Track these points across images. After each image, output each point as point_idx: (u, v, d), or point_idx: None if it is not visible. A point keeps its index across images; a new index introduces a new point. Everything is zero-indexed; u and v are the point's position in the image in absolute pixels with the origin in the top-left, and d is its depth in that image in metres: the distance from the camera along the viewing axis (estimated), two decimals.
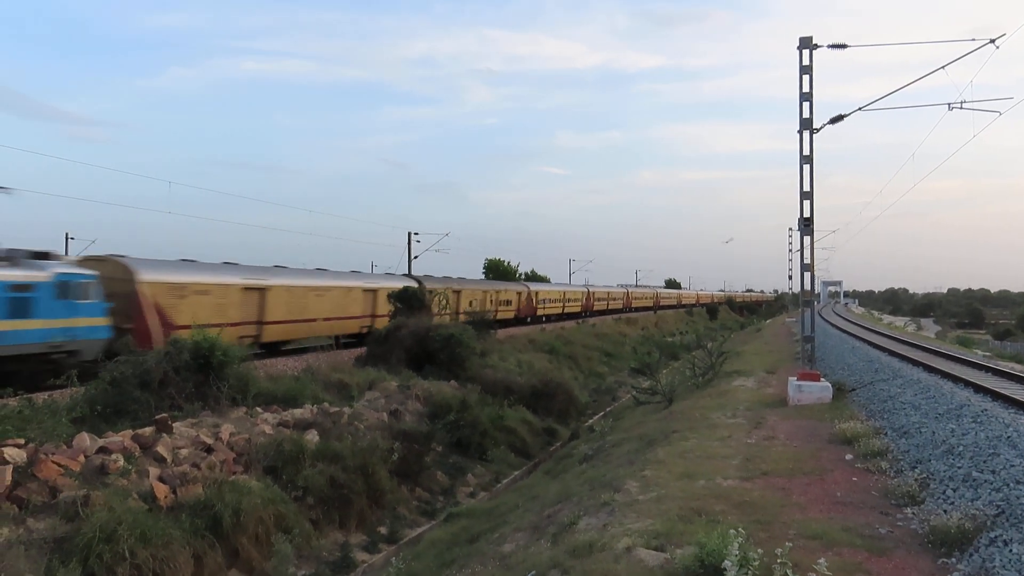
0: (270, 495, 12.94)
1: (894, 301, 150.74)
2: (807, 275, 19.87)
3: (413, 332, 27.66)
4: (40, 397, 15.05)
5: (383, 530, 15.01)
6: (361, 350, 28.89)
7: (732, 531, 5.99)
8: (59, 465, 11.04)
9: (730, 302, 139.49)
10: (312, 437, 15.85)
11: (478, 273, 72.36)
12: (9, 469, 10.34)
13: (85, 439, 12.31)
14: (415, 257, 55.91)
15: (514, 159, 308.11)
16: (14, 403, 13.71)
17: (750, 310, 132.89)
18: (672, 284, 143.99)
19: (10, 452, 10.72)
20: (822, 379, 17.19)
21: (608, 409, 30.52)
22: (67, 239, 48.56)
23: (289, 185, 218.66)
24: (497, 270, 73.99)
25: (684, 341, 55.75)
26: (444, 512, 16.02)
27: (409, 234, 55.92)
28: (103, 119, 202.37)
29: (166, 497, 11.70)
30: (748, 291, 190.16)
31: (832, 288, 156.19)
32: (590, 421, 27.07)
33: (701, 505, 8.21)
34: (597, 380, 39.59)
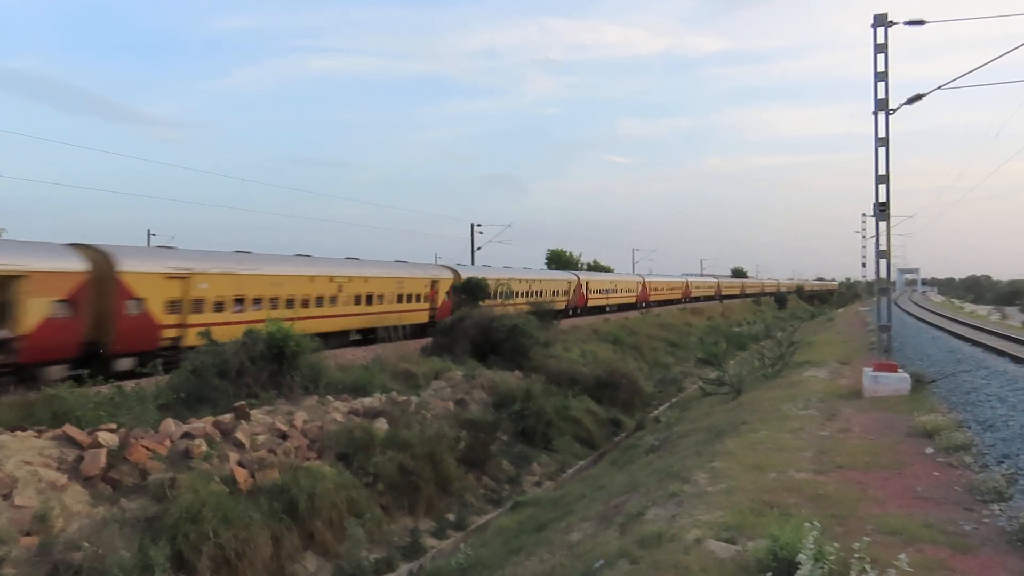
0: (342, 481, 13.34)
1: (976, 289, 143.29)
2: (883, 262, 19.14)
3: (477, 322, 27.94)
4: (129, 384, 15.89)
5: (451, 517, 15.28)
6: (427, 340, 29.41)
7: (806, 524, 5.87)
8: (148, 449, 11.66)
9: (799, 291, 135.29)
10: (381, 425, 16.24)
11: (541, 263, 72.31)
12: (104, 452, 10.99)
13: (171, 424, 12.96)
14: (478, 248, 56.42)
15: (576, 149, 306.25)
16: (106, 390, 14.53)
17: (821, 299, 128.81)
18: (739, 273, 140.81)
19: (104, 436, 11.38)
20: (900, 370, 16.56)
21: (674, 400, 30.15)
22: (148, 236, 51.03)
23: (355, 180, 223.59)
24: (559, 260, 73.82)
25: (752, 331, 54.57)
26: (510, 500, 16.19)
27: (472, 226, 56.52)
28: (180, 120, 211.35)
29: (245, 481, 12.20)
30: (819, 279, 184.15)
31: (909, 276, 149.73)
32: (656, 412, 26.82)
33: (773, 498, 8.06)
34: (662, 370, 39.12)
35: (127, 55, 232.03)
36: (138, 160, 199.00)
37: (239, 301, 23.86)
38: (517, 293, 43.36)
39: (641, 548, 7.16)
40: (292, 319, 21.78)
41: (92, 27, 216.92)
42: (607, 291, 60.25)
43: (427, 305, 35.59)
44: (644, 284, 70.77)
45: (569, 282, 53.37)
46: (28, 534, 9.27)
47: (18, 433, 11.24)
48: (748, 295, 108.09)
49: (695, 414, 20.17)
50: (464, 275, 38.93)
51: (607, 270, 79.60)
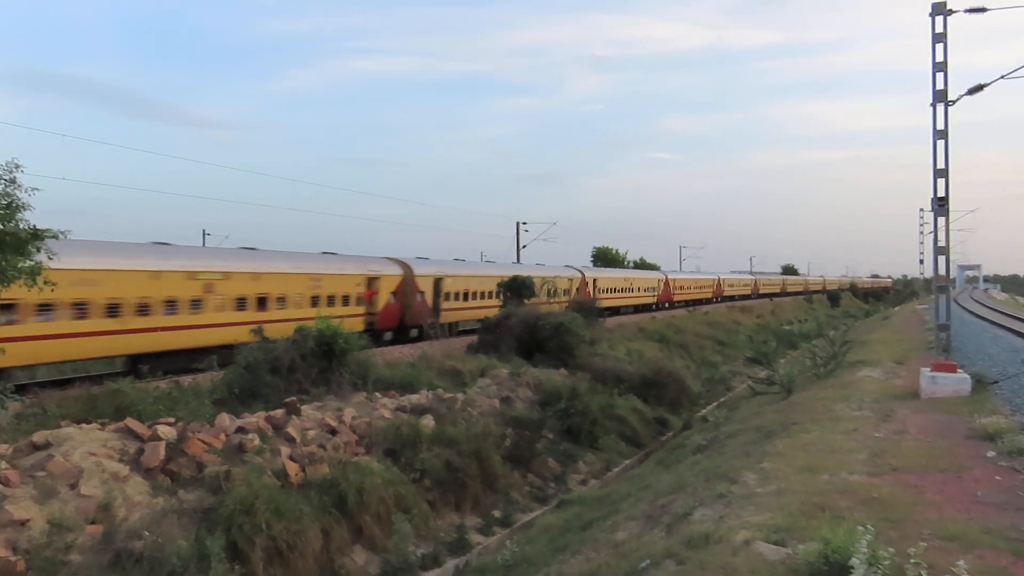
0: (390, 476, 13.55)
1: None
2: (941, 259, 18.49)
3: (522, 320, 27.99)
4: (186, 380, 16.41)
5: (497, 513, 15.36)
6: (472, 338, 29.59)
7: (860, 528, 5.73)
8: (204, 442, 12.04)
9: (853, 288, 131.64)
10: (428, 422, 16.42)
11: (587, 261, 71.93)
12: (163, 445, 11.39)
13: (225, 419, 13.35)
14: (524, 246, 56.49)
15: (621, 145, 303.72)
16: (164, 385, 15.04)
17: (876, 297, 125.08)
18: (789, 270, 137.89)
19: (163, 430, 11.79)
20: (959, 370, 15.98)
21: (722, 399, 29.71)
22: (204, 235, 52.55)
23: (401, 178, 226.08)
24: (605, 258, 73.40)
25: (803, 329, 53.33)
26: (556, 498, 16.21)
27: (517, 224, 56.58)
28: (235, 122, 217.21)
29: (296, 475, 12.49)
30: (874, 276, 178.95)
31: (970, 272, 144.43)
32: (703, 411, 26.48)
33: (825, 500, 7.89)
34: (710, 369, 38.58)
35: (186, 61, 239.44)
36: (194, 162, 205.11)
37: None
38: (483, 294, 36.89)
39: (688, 549, 7.09)
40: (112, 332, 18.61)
41: (153, 35, 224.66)
42: (621, 290, 52.47)
43: (361, 309, 28.43)
44: (667, 282, 63.24)
45: (571, 280, 45.84)
46: (93, 522, 9.67)
47: (83, 425, 11.73)
48: (790, 293, 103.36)
49: (744, 414, 19.84)
50: (420, 271, 32.57)
51: (653, 267, 78.69)
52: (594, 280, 47.57)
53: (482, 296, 37.07)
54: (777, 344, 36.45)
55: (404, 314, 31.10)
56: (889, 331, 40.03)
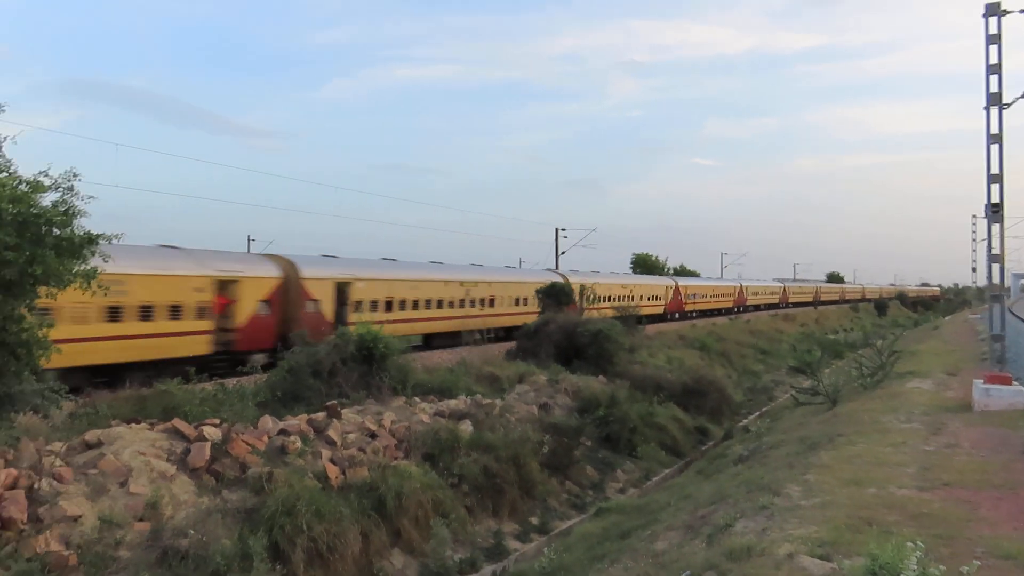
0: (428, 481, 13.63)
1: None
2: (995, 267, 17.90)
3: (561, 327, 27.91)
4: (231, 382, 16.76)
5: (534, 520, 15.32)
6: (511, 344, 29.58)
7: (909, 544, 5.56)
8: (247, 444, 12.27)
9: (901, 297, 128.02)
10: (466, 427, 16.48)
11: (626, 268, 71.47)
12: (208, 445, 11.65)
13: (268, 421, 13.60)
14: (563, 253, 56.39)
15: (661, 151, 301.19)
16: (210, 387, 15.38)
17: (925, 306, 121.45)
18: (834, 278, 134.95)
19: (209, 430, 12.06)
20: (1015, 382, 15.43)
21: (764, 409, 29.18)
22: (248, 241, 53.74)
23: (441, 185, 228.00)
24: (645, 264, 72.87)
25: (849, 339, 52.12)
26: (594, 506, 16.09)
27: (556, 230, 56.50)
28: (278, 130, 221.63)
29: (336, 478, 12.65)
30: (923, 285, 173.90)
31: None
32: (745, 421, 26.04)
33: (872, 514, 7.69)
34: (752, 378, 37.95)
35: (230, 70, 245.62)
36: (239, 169, 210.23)
37: None
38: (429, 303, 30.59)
39: (729, 561, 6.97)
40: None
41: (197, 45, 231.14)
42: (616, 298, 44.41)
43: (207, 324, 20.73)
44: (677, 289, 55.95)
45: (552, 286, 37.42)
46: (141, 520, 9.93)
47: (133, 425, 12.07)
48: (824, 302, 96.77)
49: (787, 424, 19.44)
50: (310, 273, 24.78)
51: (694, 274, 77.77)
52: (581, 287, 38.84)
53: (427, 306, 30.13)
54: (822, 353, 35.68)
55: (286, 330, 21.80)
56: (939, 341, 38.85)
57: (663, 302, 53.09)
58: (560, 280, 39.71)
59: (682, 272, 78.32)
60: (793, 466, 11.26)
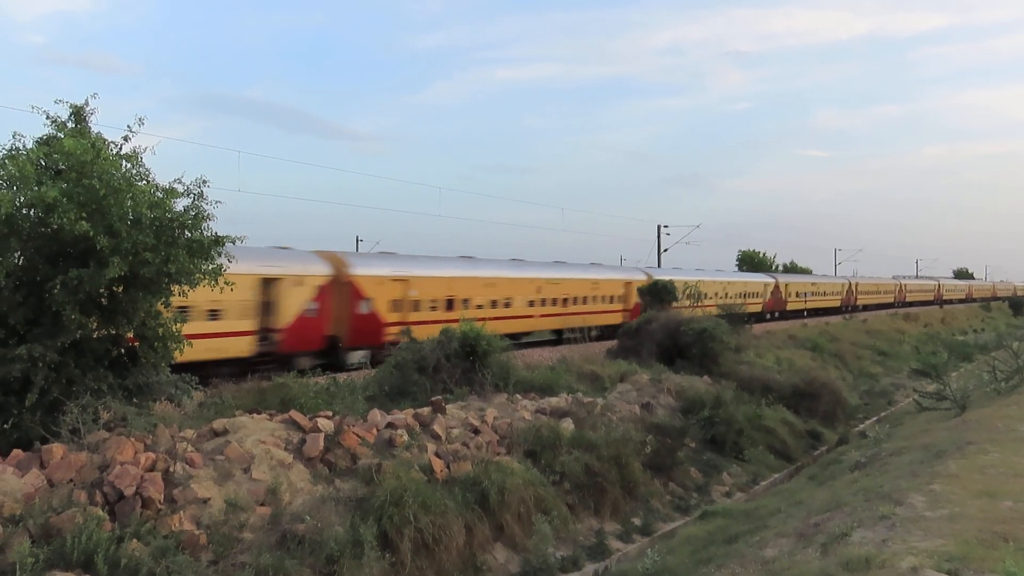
0: (530, 477, 13.72)
1: None
2: None
3: (664, 325, 27.43)
4: (342, 377, 17.53)
5: (636, 521, 15.13)
6: (612, 343, 29.35)
7: None
8: (358, 436, 12.79)
9: None
10: (567, 425, 16.48)
11: (732, 265, 69.26)
12: (321, 436, 12.23)
13: (377, 415, 14.12)
14: (665, 250, 55.36)
15: (768, 144, 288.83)
16: (323, 381, 16.15)
17: None
18: (962, 274, 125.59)
19: (322, 422, 12.66)
20: None
21: (883, 414, 27.53)
22: (357, 241, 56.02)
23: (542, 184, 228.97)
24: (752, 262, 70.44)
25: (979, 340, 48.37)
26: (699, 509, 15.70)
27: (659, 227, 55.59)
28: (383, 134, 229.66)
29: (441, 471, 12.96)
30: None
31: None
32: (862, 426, 24.70)
33: (1008, 529, 7.12)
34: (869, 381, 35.90)
35: (337, 78, 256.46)
36: (347, 172, 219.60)
37: None
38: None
39: (846, 572, 6.65)
40: None
41: (307, 55, 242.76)
42: (705, 296, 40.70)
43: (249, 325, 20.16)
44: (777, 286, 51.62)
45: (627, 283, 35.97)
46: (262, 504, 10.55)
47: (254, 415, 12.84)
48: (948, 301, 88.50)
49: (909, 430, 18.28)
50: (363, 270, 23.79)
51: (805, 271, 74.38)
52: (654, 283, 36.49)
53: (493, 305, 29.60)
54: (948, 355, 33.27)
55: (336, 330, 22.07)
56: None
57: (761, 300, 50.11)
58: (641, 276, 38.83)
59: (792, 269, 75.20)
60: (917, 475, 10.58)
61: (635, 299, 37.54)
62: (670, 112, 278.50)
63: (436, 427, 14.28)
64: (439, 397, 15.89)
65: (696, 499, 16.94)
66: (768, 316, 48.15)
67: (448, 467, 13.19)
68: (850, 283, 69.15)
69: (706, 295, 40.52)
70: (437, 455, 13.38)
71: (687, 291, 37.47)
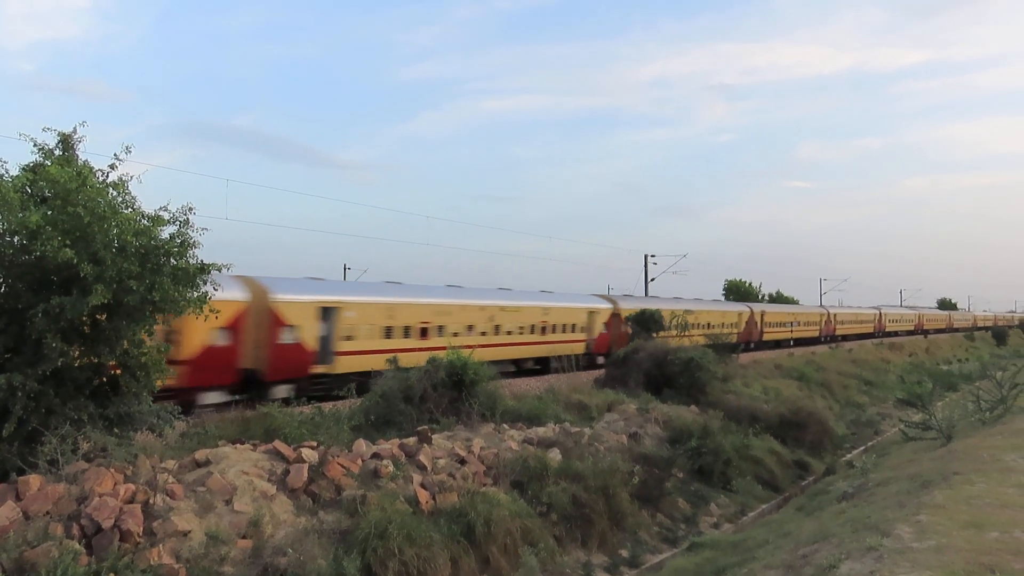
0: (517, 508, 13.59)
1: None
2: None
3: (651, 355, 27.44)
4: (327, 406, 17.35)
5: (624, 553, 14.99)
6: (600, 372, 29.29)
7: None
8: (342, 466, 12.64)
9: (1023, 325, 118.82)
10: (555, 455, 16.37)
11: (718, 295, 69.66)
12: (306, 467, 12.07)
13: (362, 445, 13.97)
14: (652, 279, 55.63)
15: (753, 175, 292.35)
16: (308, 411, 15.97)
17: None
18: (945, 305, 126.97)
19: (307, 452, 12.51)
20: None
21: (870, 443, 27.59)
22: (344, 270, 55.87)
23: (530, 213, 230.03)
24: (738, 291, 70.86)
25: (964, 369, 48.72)
26: (687, 540, 15.59)
27: (645, 256, 55.91)
28: (371, 163, 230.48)
29: (427, 502, 12.82)
30: None
31: None
32: (848, 456, 24.67)
33: (994, 560, 7.09)
34: (855, 411, 35.99)
35: (326, 107, 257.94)
36: (334, 201, 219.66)
37: None
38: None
39: None
40: None
41: (297, 85, 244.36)
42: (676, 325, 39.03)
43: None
44: (752, 316, 50.55)
45: (592, 312, 34.35)
46: (244, 537, 10.36)
47: (238, 446, 12.67)
48: (929, 331, 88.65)
49: (895, 460, 18.27)
50: (285, 296, 21.86)
51: (790, 301, 74.84)
52: (613, 313, 35.34)
53: (439, 333, 27.06)
54: (933, 385, 33.44)
55: (252, 362, 20.58)
56: None
57: (735, 330, 46.62)
58: (607, 306, 37.29)
59: (778, 299, 75.57)
60: (904, 505, 10.56)
61: (600, 329, 36.51)
62: (657, 143, 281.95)
63: (422, 457, 14.15)
64: (425, 427, 15.76)
65: (684, 530, 16.81)
66: (742, 347, 41.47)
67: (434, 498, 13.04)
68: (828, 313, 68.48)
69: (685, 324, 39.50)
70: (423, 486, 13.23)
71: (648, 320, 36.29)
